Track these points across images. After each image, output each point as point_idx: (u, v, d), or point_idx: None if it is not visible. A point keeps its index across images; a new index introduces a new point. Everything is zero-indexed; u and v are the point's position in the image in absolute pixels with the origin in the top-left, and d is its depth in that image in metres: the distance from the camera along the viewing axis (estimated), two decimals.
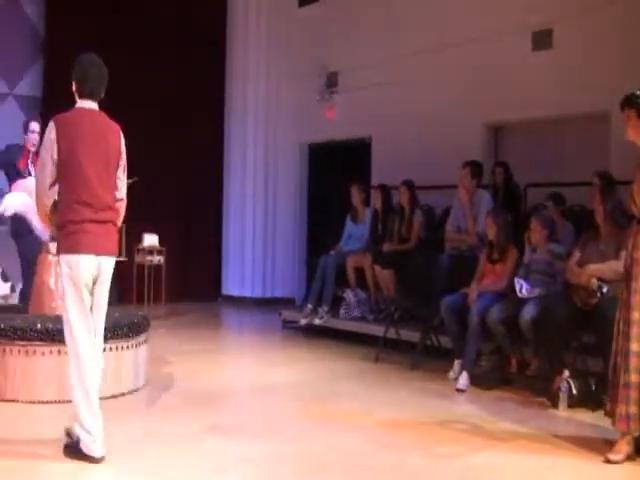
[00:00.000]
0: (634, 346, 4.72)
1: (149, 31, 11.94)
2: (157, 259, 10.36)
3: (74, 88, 4.71)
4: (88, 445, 4.45)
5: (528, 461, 4.79)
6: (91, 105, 4.69)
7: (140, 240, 10.20)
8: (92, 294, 4.62)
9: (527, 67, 9.26)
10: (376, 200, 9.73)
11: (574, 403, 6.05)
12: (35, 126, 8.17)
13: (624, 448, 4.77)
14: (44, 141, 4.65)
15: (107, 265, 4.64)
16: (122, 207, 4.84)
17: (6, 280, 8.79)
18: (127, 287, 10.68)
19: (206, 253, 12.80)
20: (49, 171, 4.59)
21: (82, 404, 4.49)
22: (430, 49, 10.22)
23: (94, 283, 4.61)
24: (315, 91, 11.96)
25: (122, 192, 4.79)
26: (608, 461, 4.73)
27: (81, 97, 4.69)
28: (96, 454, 4.45)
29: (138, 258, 10.31)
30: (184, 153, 12.37)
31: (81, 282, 4.54)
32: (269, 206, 12.76)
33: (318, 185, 12.60)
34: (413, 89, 10.49)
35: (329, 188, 12.11)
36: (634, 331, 4.74)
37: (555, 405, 6.11)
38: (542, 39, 9.12)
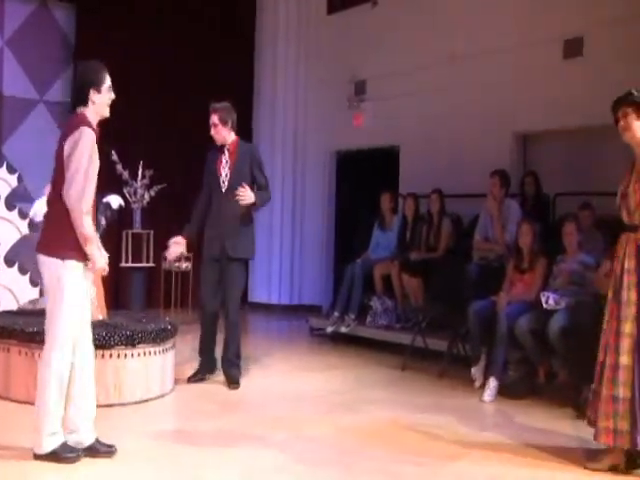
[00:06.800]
0: (624, 359, 4.62)
1: (177, 36, 11.92)
2: (185, 265, 10.37)
3: None
4: None
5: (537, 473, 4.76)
6: (79, 109, 4.71)
7: (167, 247, 10.20)
8: None
9: (557, 76, 9.19)
10: (408, 208, 9.69)
11: None
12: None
13: (609, 459, 4.74)
14: None
15: (40, 265, 4.64)
16: (68, 201, 4.51)
17: (35, 285, 8.85)
18: (155, 293, 10.71)
19: None
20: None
21: None
22: (459, 57, 10.19)
23: None
24: (344, 99, 11.97)
25: (65, 189, 4.51)
26: (587, 469, 4.75)
27: None
28: None
29: (165, 265, 10.32)
30: None
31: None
32: (297, 213, 12.76)
33: (346, 192, 12.57)
34: (441, 97, 10.44)
35: (357, 195, 12.08)
36: (624, 344, 4.63)
37: (583, 416, 6.03)
38: (573, 47, 9.07)
